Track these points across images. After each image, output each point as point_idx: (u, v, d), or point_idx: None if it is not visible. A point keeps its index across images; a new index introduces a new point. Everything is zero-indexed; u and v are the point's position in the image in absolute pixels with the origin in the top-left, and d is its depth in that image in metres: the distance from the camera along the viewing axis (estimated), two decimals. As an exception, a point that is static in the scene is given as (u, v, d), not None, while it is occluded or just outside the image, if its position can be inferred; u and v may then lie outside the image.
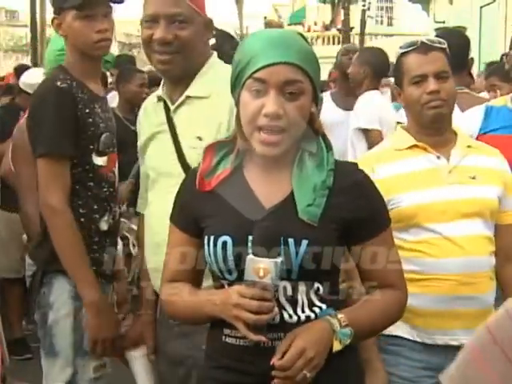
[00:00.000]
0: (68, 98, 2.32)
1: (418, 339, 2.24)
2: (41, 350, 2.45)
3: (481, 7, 14.44)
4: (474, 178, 2.26)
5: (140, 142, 2.28)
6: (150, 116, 2.25)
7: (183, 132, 2.13)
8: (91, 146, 2.37)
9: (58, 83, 2.34)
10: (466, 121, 2.87)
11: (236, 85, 1.67)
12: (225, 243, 1.64)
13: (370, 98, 4.56)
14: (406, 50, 2.29)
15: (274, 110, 1.58)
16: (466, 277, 2.19)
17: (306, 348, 1.57)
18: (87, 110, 2.36)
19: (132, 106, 5.02)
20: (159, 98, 2.20)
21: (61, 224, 2.30)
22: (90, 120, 2.36)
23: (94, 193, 2.38)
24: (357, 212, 1.67)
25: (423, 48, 2.26)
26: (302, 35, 1.72)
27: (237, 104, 1.68)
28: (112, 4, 2.45)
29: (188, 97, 2.13)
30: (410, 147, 2.30)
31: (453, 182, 2.25)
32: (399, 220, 2.19)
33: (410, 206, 2.22)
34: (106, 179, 2.43)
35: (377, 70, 4.72)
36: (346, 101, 4.91)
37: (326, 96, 5.15)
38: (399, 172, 2.27)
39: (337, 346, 1.62)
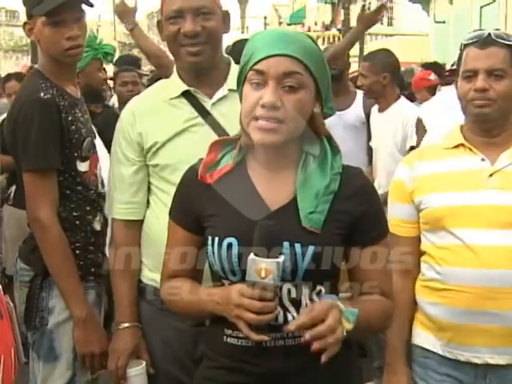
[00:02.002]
0: (53, 110, 2.28)
1: (440, 352, 2.13)
2: (33, 353, 2.40)
3: (481, 7, 14.45)
4: None
5: (151, 142, 2.17)
6: (165, 113, 2.20)
7: (229, 125, 2.10)
8: (75, 154, 2.35)
9: (41, 94, 2.28)
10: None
11: (240, 81, 1.68)
12: (230, 245, 1.63)
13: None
14: (467, 41, 2.14)
15: (271, 101, 1.58)
16: (487, 291, 2.02)
17: (331, 309, 1.52)
18: (70, 118, 2.33)
19: (124, 105, 5.01)
20: (184, 93, 2.18)
21: (50, 239, 2.28)
22: (73, 127, 2.33)
23: (83, 195, 2.37)
24: (361, 218, 1.68)
25: (482, 42, 2.10)
26: (310, 37, 1.71)
27: (241, 100, 1.68)
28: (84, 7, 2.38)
29: (230, 90, 2.13)
30: (457, 146, 2.16)
31: (492, 187, 2.07)
32: (427, 221, 2.13)
33: (438, 207, 2.10)
34: (90, 183, 2.41)
35: (396, 73, 4.52)
36: (337, 101, 4.89)
37: None
38: (437, 171, 2.14)
39: (347, 325, 1.56)
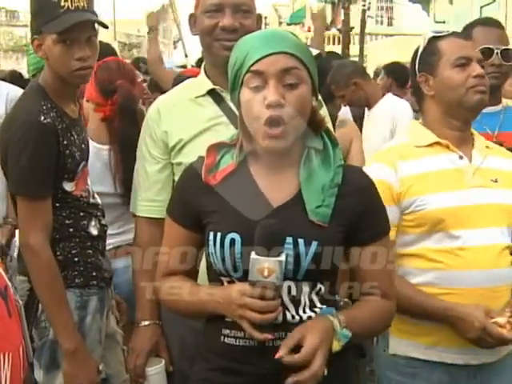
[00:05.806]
0: (51, 136, 2.22)
1: (436, 359, 2.08)
2: (35, 360, 2.30)
3: (481, 7, 14.47)
4: (495, 181, 2.09)
5: (176, 140, 2.19)
6: (190, 111, 2.20)
7: None
8: (66, 176, 2.29)
9: (41, 118, 2.20)
10: (487, 118, 2.63)
11: (235, 86, 1.66)
12: (233, 240, 1.62)
13: None
14: (440, 34, 2.13)
15: (276, 99, 1.57)
16: (491, 291, 2.01)
17: (321, 345, 1.56)
18: (65, 142, 2.26)
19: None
20: (209, 92, 2.19)
21: (39, 265, 2.22)
22: (68, 152, 2.27)
23: (74, 204, 2.32)
24: (363, 215, 1.67)
25: (461, 34, 2.12)
26: (293, 34, 1.72)
27: (239, 104, 1.67)
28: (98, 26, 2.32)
29: None
30: (431, 144, 2.12)
31: (476, 185, 2.07)
32: (423, 224, 2.05)
33: (437, 209, 2.03)
34: (79, 197, 2.35)
35: (363, 73, 4.62)
36: (336, 104, 4.90)
37: None
38: (423, 171, 2.08)
39: (336, 347, 1.61)
